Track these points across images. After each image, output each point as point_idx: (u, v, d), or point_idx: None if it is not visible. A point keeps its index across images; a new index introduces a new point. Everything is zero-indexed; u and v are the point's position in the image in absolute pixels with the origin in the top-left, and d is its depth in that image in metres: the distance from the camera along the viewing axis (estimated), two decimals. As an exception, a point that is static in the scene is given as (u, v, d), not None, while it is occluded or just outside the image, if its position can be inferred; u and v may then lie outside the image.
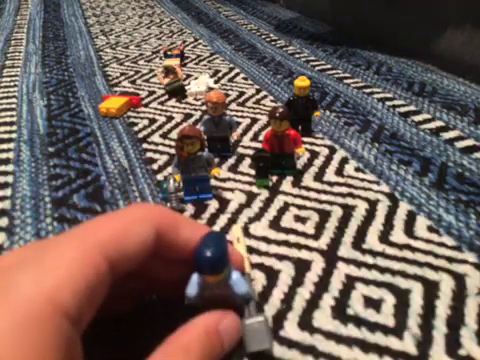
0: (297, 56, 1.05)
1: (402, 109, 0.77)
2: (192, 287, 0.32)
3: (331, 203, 0.53)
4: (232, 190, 0.56)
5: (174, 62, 0.96)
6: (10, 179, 0.61)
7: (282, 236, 0.48)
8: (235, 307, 0.34)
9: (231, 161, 0.62)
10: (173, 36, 1.22)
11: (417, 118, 0.73)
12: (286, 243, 0.47)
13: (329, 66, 0.98)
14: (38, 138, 0.71)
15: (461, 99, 0.80)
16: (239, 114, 0.76)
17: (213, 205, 0.53)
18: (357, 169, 0.60)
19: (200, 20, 1.39)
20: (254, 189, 0.56)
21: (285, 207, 0.53)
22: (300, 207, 0.53)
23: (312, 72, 0.95)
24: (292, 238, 0.48)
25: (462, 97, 0.80)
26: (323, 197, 0.54)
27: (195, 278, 0.32)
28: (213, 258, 0.30)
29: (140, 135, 0.70)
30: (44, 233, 0.50)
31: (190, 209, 0.53)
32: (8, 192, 0.58)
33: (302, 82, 0.64)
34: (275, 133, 0.56)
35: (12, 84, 0.93)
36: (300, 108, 0.66)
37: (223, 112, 0.60)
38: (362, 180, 0.57)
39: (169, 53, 1.00)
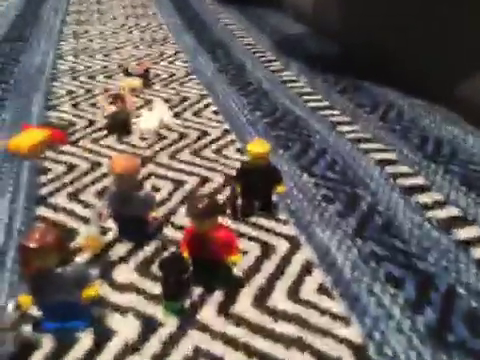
0: (290, 85, 0.85)
1: (406, 181, 0.57)
2: None
3: (268, 357, 0.34)
4: (125, 312, 0.38)
5: (135, 83, 0.78)
6: None
7: None
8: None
9: (146, 252, 0.44)
10: (152, 46, 1.04)
11: (424, 199, 0.53)
12: None
13: (325, 103, 0.78)
14: None
15: (489, 172, 0.60)
16: (188, 168, 0.58)
17: (85, 341, 0.35)
18: (321, 289, 0.40)
19: (192, 27, 1.20)
20: (159, 312, 0.38)
21: (194, 357, 0.34)
22: (218, 359, 0.34)
23: (301, 110, 0.75)
24: None
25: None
26: (259, 342, 0.35)
27: None
28: None
29: (44, 190, 0.52)
30: None
31: (47, 343, 0.35)
32: None
33: (259, 147, 0.45)
34: (197, 233, 0.37)
35: None
36: (256, 180, 0.47)
37: (135, 185, 0.42)
38: (324, 312, 0.38)
39: (131, 70, 0.82)
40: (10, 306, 0.32)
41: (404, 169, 0.59)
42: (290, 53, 1.03)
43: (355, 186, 0.55)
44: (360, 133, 0.68)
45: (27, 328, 0.34)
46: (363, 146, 0.65)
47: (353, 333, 0.36)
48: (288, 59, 0.99)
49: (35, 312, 0.35)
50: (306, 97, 0.80)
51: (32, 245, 0.30)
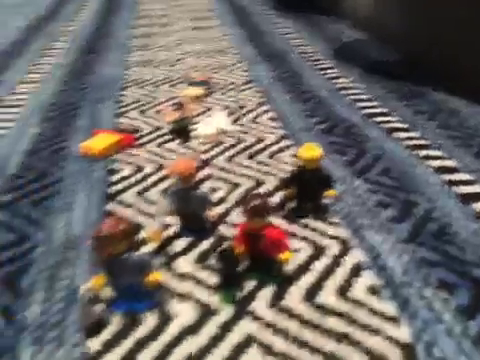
0: (346, 92, 0.86)
1: (464, 189, 0.56)
2: None
3: (315, 350, 0.36)
4: (185, 297, 0.41)
5: (197, 92, 0.83)
6: None
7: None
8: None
9: (204, 246, 0.47)
10: (214, 56, 1.09)
11: (483, 206, 0.53)
12: None
13: (383, 110, 0.78)
14: (1, 179, 0.61)
15: None
16: (243, 171, 0.61)
17: (149, 322, 0.39)
18: (371, 290, 0.41)
19: (252, 37, 1.24)
20: (214, 302, 0.40)
21: (246, 344, 0.37)
22: (267, 347, 0.36)
23: (357, 116, 0.76)
24: None
25: None
26: (307, 334, 0.37)
27: None
28: None
29: (114, 188, 0.58)
30: None
31: (117, 322, 0.39)
32: None
33: (310, 152, 0.47)
34: (249, 230, 0.40)
35: (19, 104, 0.86)
36: (308, 183, 0.49)
37: (193, 185, 0.45)
38: (374, 313, 0.39)
39: (194, 79, 0.87)
40: (87, 285, 0.36)
41: (462, 177, 0.58)
42: (348, 60, 1.04)
43: (410, 192, 0.55)
44: (416, 141, 0.68)
45: (100, 308, 0.38)
46: (420, 152, 0.64)
47: (402, 333, 0.37)
48: (346, 66, 1.00)
49: (107, 295, 0.40)
50: (362, 104, 0.81)
51: (105, 233, 0.34)
